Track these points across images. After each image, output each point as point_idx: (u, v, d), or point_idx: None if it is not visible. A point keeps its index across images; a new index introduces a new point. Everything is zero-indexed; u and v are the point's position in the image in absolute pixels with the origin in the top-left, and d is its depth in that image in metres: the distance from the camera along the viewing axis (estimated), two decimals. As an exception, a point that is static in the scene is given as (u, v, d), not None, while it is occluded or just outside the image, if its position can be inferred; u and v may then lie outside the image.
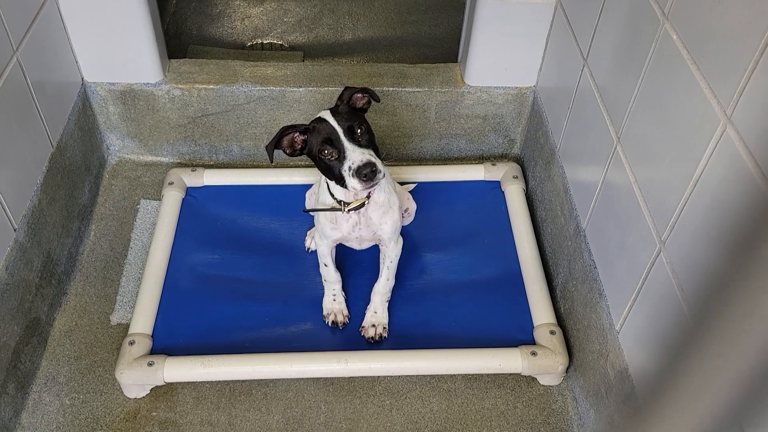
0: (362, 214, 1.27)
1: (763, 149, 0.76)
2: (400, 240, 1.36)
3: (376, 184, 1.16)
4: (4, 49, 1.28)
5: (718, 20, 0.85)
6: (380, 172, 1.14)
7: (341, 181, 1.16)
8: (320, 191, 1.31)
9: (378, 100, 1.24)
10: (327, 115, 1.17)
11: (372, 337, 1.37)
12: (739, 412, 0.41)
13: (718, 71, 0.85)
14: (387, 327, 1.39)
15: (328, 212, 1.28)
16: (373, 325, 1.38)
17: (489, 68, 1.63)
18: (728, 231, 0.81)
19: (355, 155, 1.13)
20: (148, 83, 1.65)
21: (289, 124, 1.21)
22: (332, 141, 1.15)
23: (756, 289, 0.37)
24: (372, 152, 1.15)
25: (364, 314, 1.41)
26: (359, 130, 1.16)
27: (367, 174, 1.12)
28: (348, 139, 1.14)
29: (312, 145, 1.17)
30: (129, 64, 1.62)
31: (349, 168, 1.13)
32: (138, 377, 1.29)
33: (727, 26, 0.83)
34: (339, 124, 1.15)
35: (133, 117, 1.71)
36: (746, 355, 0.39)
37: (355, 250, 1.47)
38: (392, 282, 1.40)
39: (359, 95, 1.22)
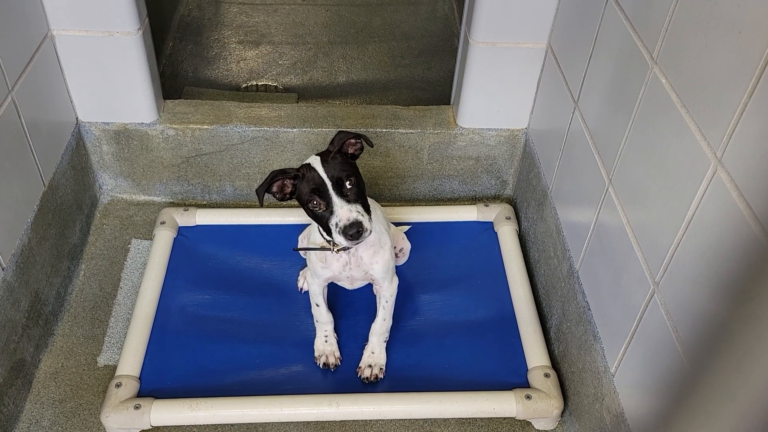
0: (352, 254, 1.27)
1: (754, 190, 0.76)
2: (396, 279, 1.35)
3: (362, 241, 1.15)
4: None
5: (707, 64, 0.87)
6: (367, 230, 1.13)
7: (329, 233, 1.17)
8: (312, 230, 1.30)
9: (371, 146, 1.22)
10: (316, 164, 1.15)
11: (367, 378, 1.35)
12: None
13: (707, 114, 0.86)
14: (384, 368, 1.37)
15: (318, 251, 1.27)
16: (370, 366, 1.36)
17: (481, 110, 1.65)
18: (721, 272, 0.81)
19: (343, 212, 1.12)
20: (142, 123, 1.66)
21: (282, 167, 1.21)
22: (320, 193, 1.14)
23: (752, 331, 0.36)
24: (360, 207, 1.14)
25: (361, 355, 1.39)
26: (348, 183, 1.14)
27: (353, 234, 1.12)
28: (336, 193, 1.13)
29: (301, 193, 1.16)
30: (124, 104, 1.62)
31: (336, 225, 1.13)
32: (124, 421, 1.26)
33: (715, 70, 0.85)
34: (328, 175, 1.13)
35: (126, 156, 1.71)
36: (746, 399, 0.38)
37: (349, 290, 1.46)
38: (389, 322, 1.38)
39: (352, 141, 1.19)
